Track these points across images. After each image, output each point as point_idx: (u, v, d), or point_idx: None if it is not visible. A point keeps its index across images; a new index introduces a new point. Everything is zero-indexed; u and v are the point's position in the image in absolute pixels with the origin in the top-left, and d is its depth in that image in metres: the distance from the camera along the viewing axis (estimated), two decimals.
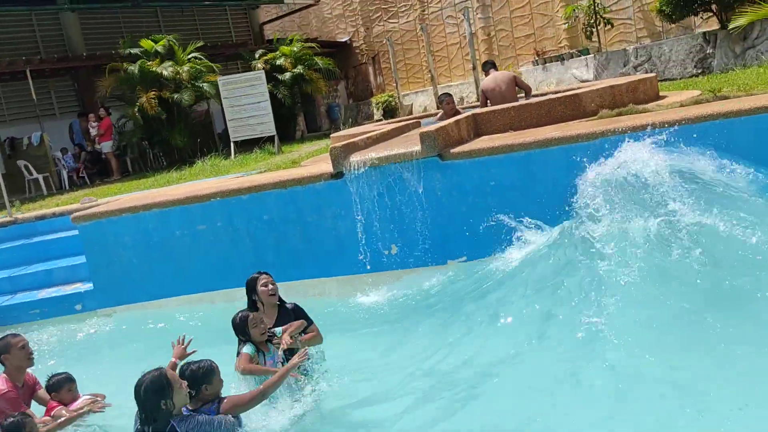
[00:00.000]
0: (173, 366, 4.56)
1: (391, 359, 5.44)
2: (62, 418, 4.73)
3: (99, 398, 5.02)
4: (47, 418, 4.95)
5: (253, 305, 5.23)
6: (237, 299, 7.55)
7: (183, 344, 4.83)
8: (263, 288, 5.17)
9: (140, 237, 8.07)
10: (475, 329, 5.65)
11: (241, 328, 4.85)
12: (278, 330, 5.03)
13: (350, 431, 4.59)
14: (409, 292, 7.03)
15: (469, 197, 7.11)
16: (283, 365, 4.77)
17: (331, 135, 11.33)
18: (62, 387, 5.13)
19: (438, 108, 12.07)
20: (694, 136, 6.32)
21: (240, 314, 4.89)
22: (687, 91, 9.24)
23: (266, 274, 5.29)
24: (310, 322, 5.27)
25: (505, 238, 6.94)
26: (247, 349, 4.82)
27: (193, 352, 4.74)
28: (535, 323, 5.37)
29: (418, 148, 7.08)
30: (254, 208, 7.82)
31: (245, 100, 14.88)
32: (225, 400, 4.19)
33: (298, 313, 5.27)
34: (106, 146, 16.42)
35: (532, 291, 5.88)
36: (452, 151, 7.16)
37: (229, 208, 7.87)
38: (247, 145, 15.49)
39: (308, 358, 4.86)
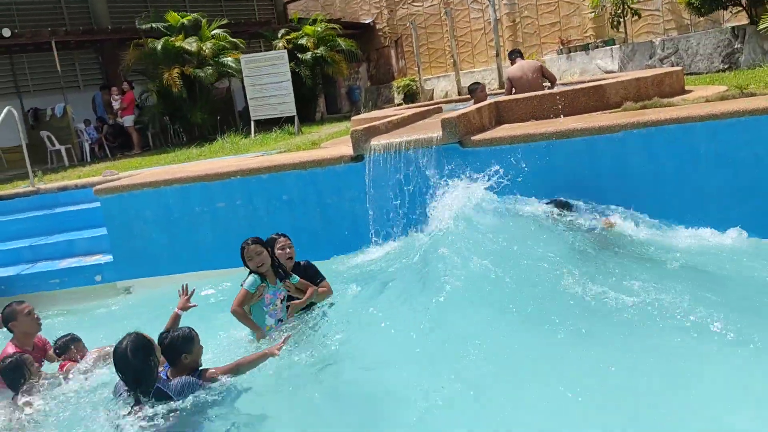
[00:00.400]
0: (176, 317, 4.68)
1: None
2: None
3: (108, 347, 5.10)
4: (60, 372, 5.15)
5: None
6: None
7: (187, 294, 4.92)
8: (280, 251, 5.36)
9: (161, 211, 8.16)
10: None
11: (241, 254, 5.19)
12: (295, 278, 5.34)
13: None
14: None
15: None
16: (282, 303, 5.20)
17: (352, 118, 11.34)
18: (69, 348, 5.32)
19: (462, 94, 12.01)
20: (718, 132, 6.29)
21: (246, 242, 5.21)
22: (713, 86, 9.15)
23: (285, 236, 5.43)
24: (322, 278, 5.62)
25: None
26: (249, 282, 5.06)
27: (194, 306, 4.88)
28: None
29: (439, 134, 7.09)
30: (274, 187, 7.87)
31: (267, 80, 14.90)
32: (206, 373, 4.16)
33: (308, 269, 5.53)
34: (128, 120, 16.55)
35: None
36: (473, 138, 7.15)
37: (248, 187, 7.93)
38: (267, 125, 15.53)
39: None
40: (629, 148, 6.59)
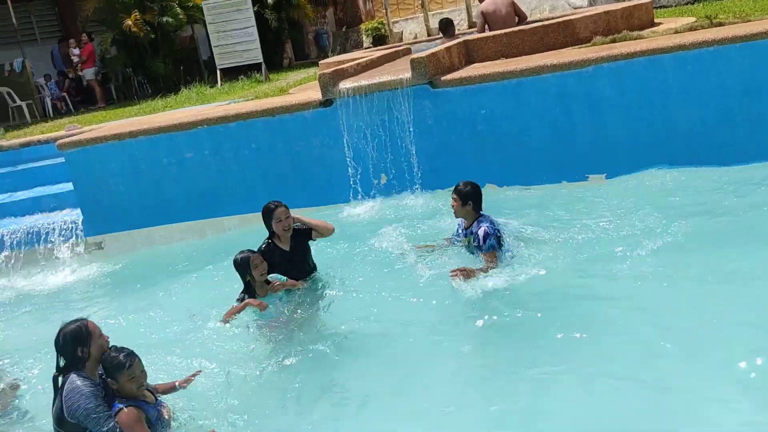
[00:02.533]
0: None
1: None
2: None
3: None
4: None
5: (272, 233, 5.28)
6: (225, 228, 7.62)
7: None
8: (278, 224, 5.19)
9: (127, 164, 7.98)
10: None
11: (243, 267, 4.90)
12: (280, 276, 5.14)
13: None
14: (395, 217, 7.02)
15: (459, 126, 7.05)
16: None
17: (320, 62, 11.10)
18: None
19: (431, 35, 11.79)
20: (689, 63, 6.28)
21: (241, 255, 4.92)
22: (682, 18, 9.08)
23: (283, 207, 5.24)
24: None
25: (496, 169, 6.93)
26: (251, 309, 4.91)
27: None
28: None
29: (408, 74, 6.97)
30: (242, 136, 7.72)
31: (231, 26, 14.48)
32: (121, 414, 3.45)
33: (308, 232, 5.39)
34: (89, 73, 16.05)
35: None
36: (443, 78, 7.05)
37: (216, 136, 7.77)
38: (233, 73, 15.16)
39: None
40: (600, 83, 6.55)
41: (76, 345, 3.53)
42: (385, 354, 4.39)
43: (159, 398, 3.75)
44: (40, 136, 9.91)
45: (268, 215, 5.27)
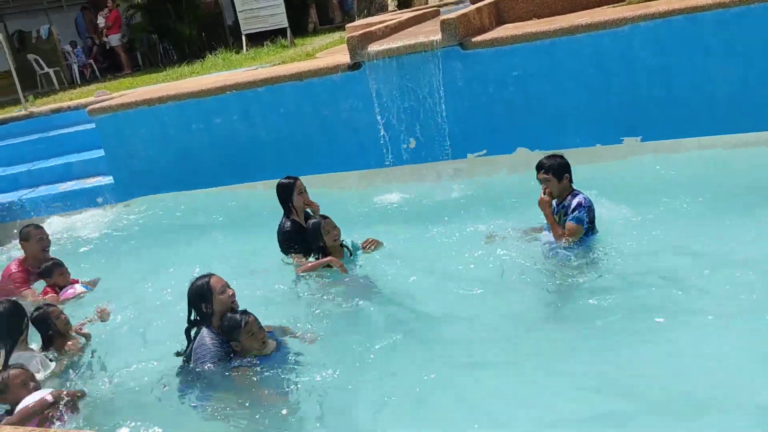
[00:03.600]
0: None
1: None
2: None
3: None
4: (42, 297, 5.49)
5: (288, 210, 5.23)
6: (256, 192, 7.63)
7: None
8: (300, 196, 5.15)
9: (157, 130, 8.01)
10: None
11: (314, 234, 4.85)
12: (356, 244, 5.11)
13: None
14: (427, 187, 6.98)
15: (491, 89, 6.94)
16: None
17: (347, 25, 10.96)
18: (53, 272, 5.66)
19: None
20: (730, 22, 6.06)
21: (313, 221, 4.89)
22: None
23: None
24: None
25: (528, 132, 6.83)
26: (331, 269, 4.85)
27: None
28: None
29: (438, 36, 6.85)
30: (270, 101, 7.68)
31: None
32: (238, 372, 3.73)
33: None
34: (114, 39, 16.06)
35: None
36: (473, 39, 6.92)
37: (244, 101, 7.74)
38: (258, 39, 15.07)
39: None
40: (636, 43, 6.37)
41: (200, 302, 3.82)
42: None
43: (279, 341, 3.94)
44: (70, 103, 9.99)
45: (288, 189, 5.16)
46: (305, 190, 5.28)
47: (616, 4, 7.41)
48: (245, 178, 7.82)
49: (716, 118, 6.26)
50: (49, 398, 3.52)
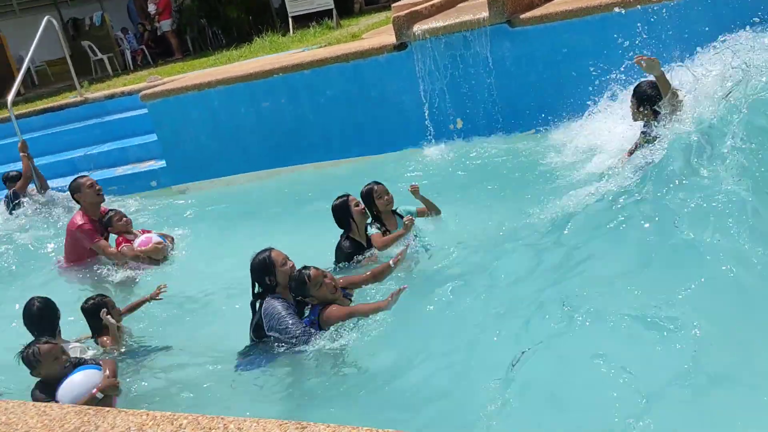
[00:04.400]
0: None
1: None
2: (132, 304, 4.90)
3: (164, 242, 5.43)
4: (114, 251, 5.80)
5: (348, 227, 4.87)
6: (304, 177, 7.70)
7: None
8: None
9: (207, 114, 8.15)
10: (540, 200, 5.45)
11: (367, 199, 4.84)
12: (409, 209, 5.04)
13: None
14: (476, 164, 6.92)
15: (540, 66, 6.82)
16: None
17: (393, 5, 10.88)
18: (113, 220, 5.88)
19: None
20: None
21: (367, 186, 4.89)
22: None
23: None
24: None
25: (578, 110, 6.69)
26: (373, 230, 4.82)
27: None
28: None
29: (485, 14, 6.75)
30: (317, 83, 7.73)
31: None
32: (326, 311, 3.84)
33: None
34: (166, 25, 16.31)
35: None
36: (522, 16, 6.79)
37: (291, 84, 7.80)
38: (303, 21, 15.10)
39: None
40: (692, 13, 6.14)
41: (263, 274, 3.97)
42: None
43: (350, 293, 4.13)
44: (124, 88, 10.22)
45: (343, 207, 4.78)
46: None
47: None
48: (293, 161, 7.90)
49: None
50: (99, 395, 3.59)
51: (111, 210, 6.03)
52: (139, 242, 5.71)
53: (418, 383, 3.45)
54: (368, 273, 4.28)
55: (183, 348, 4.43)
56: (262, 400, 3.70)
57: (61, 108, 10.18)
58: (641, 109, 4.97)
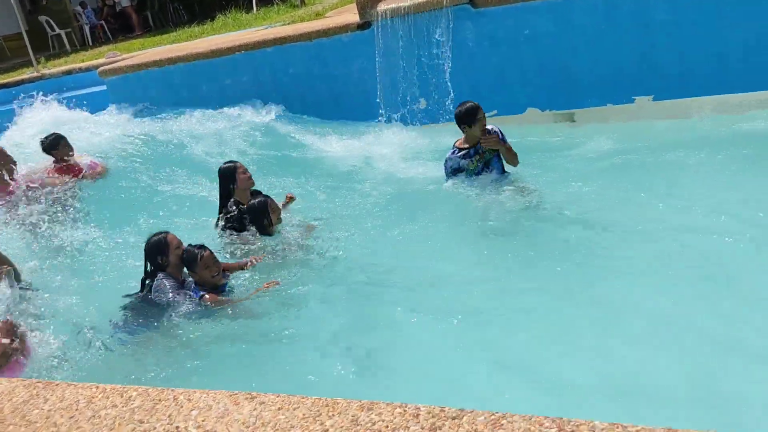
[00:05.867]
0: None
1: None
2: None
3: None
4: None
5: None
6: None
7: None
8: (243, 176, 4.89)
9: (167, 92, 8.03)
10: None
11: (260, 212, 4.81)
12: None
13: None
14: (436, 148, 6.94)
15: (502, 48, 6.86)
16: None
17: None
18: (57, 145, 5.97)
19: None
20: None
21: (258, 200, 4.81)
22: None
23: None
24: None
25: (541, 93, 6.77)
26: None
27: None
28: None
29: None
30: (279, 61, 7.67)
31: None
32: (208, 297, 4.14)
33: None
34: (124, 0, 15.98)
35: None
36: None
37: (254, 62, 7.73)
38: None
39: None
40: (651, 0, 6.24)
41: (156, 254, 4.22)
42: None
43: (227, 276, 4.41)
44: (82, 64, 10.01)
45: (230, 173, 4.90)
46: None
47: None
48: None
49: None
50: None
51: (53, 134, 6.06)
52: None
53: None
54: (236, 264, 4.58)
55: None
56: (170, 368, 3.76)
57: (17, 84, 9.91)
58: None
